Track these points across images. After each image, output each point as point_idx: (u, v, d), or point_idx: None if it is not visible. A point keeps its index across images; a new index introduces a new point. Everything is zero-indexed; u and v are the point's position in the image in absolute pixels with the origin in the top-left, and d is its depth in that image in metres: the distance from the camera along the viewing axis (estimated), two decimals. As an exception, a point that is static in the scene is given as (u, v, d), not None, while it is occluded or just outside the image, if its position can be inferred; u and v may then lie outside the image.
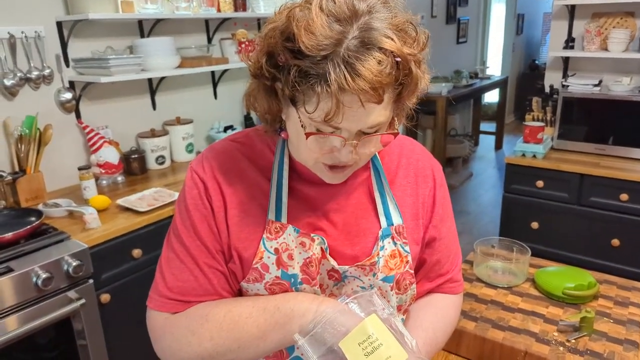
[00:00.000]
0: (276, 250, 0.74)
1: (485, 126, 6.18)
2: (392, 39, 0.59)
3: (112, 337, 1.66)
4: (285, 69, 0.62)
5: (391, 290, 0.78)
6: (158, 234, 1.77)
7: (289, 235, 0.74)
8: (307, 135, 0.64)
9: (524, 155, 2.56)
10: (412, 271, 0.81)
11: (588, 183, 2.38)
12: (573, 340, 1.04)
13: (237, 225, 0.75)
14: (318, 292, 0.75)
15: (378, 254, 0.76)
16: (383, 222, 0.79)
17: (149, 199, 1.87)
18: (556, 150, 2.63)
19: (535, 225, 2.57)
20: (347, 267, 0.76)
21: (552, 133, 2.67)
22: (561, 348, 1.02)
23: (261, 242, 0.74)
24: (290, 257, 0.74)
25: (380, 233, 0.78)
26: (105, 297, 1.63)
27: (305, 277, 0.74)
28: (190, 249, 0.75)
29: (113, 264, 1.67)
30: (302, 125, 0.65)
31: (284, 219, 0.75)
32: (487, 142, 6.04)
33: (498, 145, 5.83)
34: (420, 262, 0.86)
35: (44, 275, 1.40)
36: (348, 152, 0.65)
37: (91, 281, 1.55)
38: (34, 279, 1.40)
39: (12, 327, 1.36)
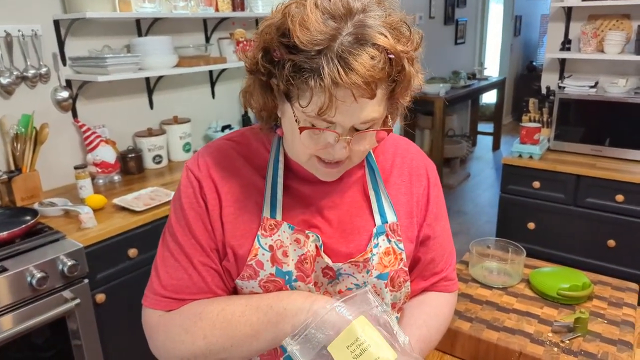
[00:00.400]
0: (271, 247, 0.74)
1: (482, 127, 6.19)
2: (385, 36, 0.60)
3: (107, 337, 1.66)
4: (280, 64, 0.63)
5: (385, 287, 0.78)
6: (154, 233, 1.77)
7: (284, 232, 0.74)
8: (301, 130, 0.65)
9: (520, 156, 2.57)
10: (406, 269, 0.81)
11: (584, 184, 2.39)
12: (567, 341, 1.04)
13: (232, 222, 0.75)
14: (313, 289, 0.76)
15: (372, 251, 0.77)
16: (377, 219, 0.79)
17: (145, 198, 1.87)
18: (553, 152, 2.64)
19: (531, 225, 2.58)
20: (340, 264, 0.76)
21: (548, 134, 2.68)
22: (555, 349, 1.03)
23: (256, 239, 0.74)
24: (285, 254, 0.74)
25: (374, 231, 0.78)
26: (100, 297, 1.63)
27: (300, 274, 0.74)
28: (185, 247, 0.75)
29: (108, 263, 1.66)
30: (296, 120, 0.65)
31: (278, 216, 0.75)
32: (484, 142, 6.06)
33: (496, 146, 5.85)
34: (414, 260, 0.86)
35: (38, 275, 1.39)
36: (342, 147, 0.66)
37: (86, 281, 1.55)
38: (29, 279, 1.39)
39: (7, 327, 1.36)
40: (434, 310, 0.86)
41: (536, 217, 2.57)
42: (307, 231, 0.75)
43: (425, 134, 4.82)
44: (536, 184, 2.52)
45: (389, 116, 0.71)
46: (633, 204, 2.29)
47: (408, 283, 0.83)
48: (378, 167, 0.82)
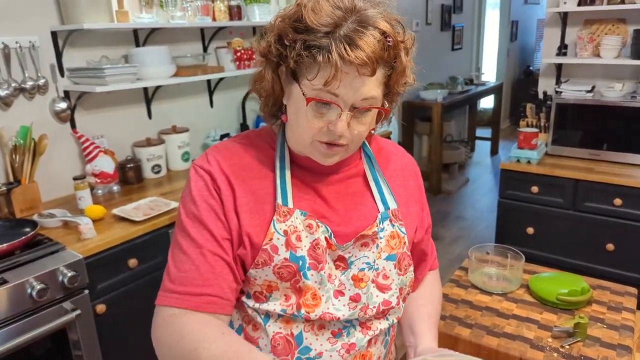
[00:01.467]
0: (285, 232, 0.77)
1: (480, 132, 6.20)
2: (385, 23, 0.70)
3: (108, 348, 1.65)
4: (291, 46, 0.71)
5: (395, 268, 0.84)
6: (154, 243, 1.77)
7: (296, 218, 0.79)
8: (308, 100, 0.71)
9: (518, 161, 2.58)
10: (409, 253, 0.87)
11: (582, 188, 2.40)
12: (567, 346, 1.04)
13: (248, 212, 0.78)
14: (325, 277, 0.79)
15: (377, 226, 0.83)
16: (380, 206, 0.86)
17: (144, 208, 1.87)
18: (550, 156, 2.65)
19: (530, 230, 2.58)
20: (350, 244, 0.81)
21: (546, 139, 2.69)
22: (555, 354, 1.03)
23: (272, 224, 0.77)
24: (299, 238, 0.78)
25: (379, 216, 0.84)
26: (100, 308, 1.62)
27: (312, 262, 0.78)
28: (195, 238, 0.76)
29: (108, 274, 1.66)
30: (303, 94, 0.72)
31: (290, 204, 0.79)
32: (483, 147, 6.07)
33: (494, 151, 5.86)
34: (422, 253, 0.96)
35: (38, 287, 1.39)
36: (343, 123, 0.71)
37: (86, 292, 1.55)
38: (29, 290, 1.39)
39: (7, 339, 1.35)
40: (428, 288, 0.98)
41: (535, 221, 2.57)
42: (316, 220, 0.79)
43: (423, 140, 4.84)
44: (534, 189, 2.53)
45: (386, 101, 0.78)
46: (631, 207, 2.29)
47: (412, 268, 0.88)
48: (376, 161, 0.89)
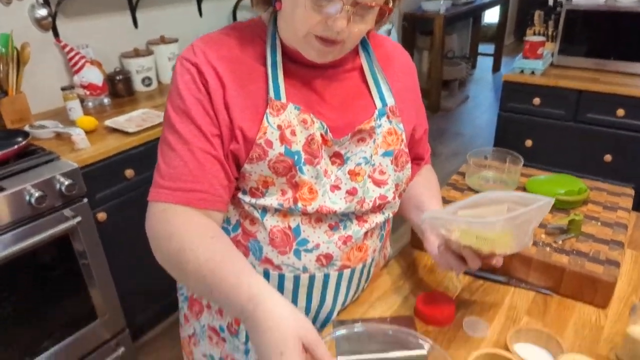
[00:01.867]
0: (279, 126, 0.75)
1: (483, 48, 5.98)
2: None
3: (112, 254, 1.70)
4: None
5: (391, 164, 0.83)
6: (148, 155, 1.75)
7: (290, 112, 0.76)
8: None
9: (522, 72, 2.49)
10: (407, 150, 0.86)
11: (585, 99, 2.35)
12: (560, 242, 1.06)
13: (239, 105, 0.75)
14: (320, 172, 0.78)
15: (375, 122, 0.81)
16: (378, 102, 0.83)
17: (137, 120, 1.83)
18: (555, 67, 2.56)
19: (529, 143, 2.57)
20: (347, 138, 0.79)
21: (552, 48, 2.58)
22: (548, 248, 1.05)
23: (264, 118, 0.75)
24: (293, 133, 0.75)
25: (376, 112, 0.82)
26: (101, 216, 1.65)
27: (308, 157, 0.77)
28: (183, 134, 0.74)
29: (106, 184, 1.66)
30: None
31: (283, 99, 0.76)
32: (484, 64, 5.88)
33: (496, 68, 5.69)
34: (420, 152, 0.99)
35: (37, 194, 1.39)
36: (343, 20, 0.67)
37: (86, 200, 1.56)
38: (27, 198, 1.39)
39: (10, 244, 1.38)
40: (427, 176, 1.01)
41: (534, 134, 2.55)
42: (311, 115, 0.77)
43: (423, 55, 4.66)
44: (536, 101, 2.47)
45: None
46: (633, 118, 2.26)
47: (409, 165, 0.87)
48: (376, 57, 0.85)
